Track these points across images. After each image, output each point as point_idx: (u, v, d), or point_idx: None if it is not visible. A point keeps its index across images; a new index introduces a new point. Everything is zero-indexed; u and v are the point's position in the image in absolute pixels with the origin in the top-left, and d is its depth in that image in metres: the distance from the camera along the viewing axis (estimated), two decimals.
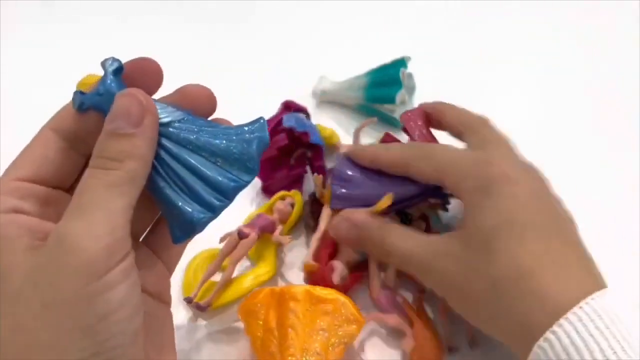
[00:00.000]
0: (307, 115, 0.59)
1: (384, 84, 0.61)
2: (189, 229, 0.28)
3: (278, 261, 0.50)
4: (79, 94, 0.29)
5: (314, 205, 0.51)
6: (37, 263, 0.25)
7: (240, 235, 0.46)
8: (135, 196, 0.27)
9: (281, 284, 0.49)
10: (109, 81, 0.28)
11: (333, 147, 0.58)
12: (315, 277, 0.47)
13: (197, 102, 0.31)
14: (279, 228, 0.48)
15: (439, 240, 0.40)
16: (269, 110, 0.59)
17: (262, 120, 0.30)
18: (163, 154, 0.28)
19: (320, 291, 0.43)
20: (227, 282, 0.46)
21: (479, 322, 0.38)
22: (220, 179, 0.28)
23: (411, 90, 0.63)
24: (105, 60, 0.29)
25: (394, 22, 0.76)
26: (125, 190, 0.26)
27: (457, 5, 0.77)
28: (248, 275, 0.47)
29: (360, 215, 0.44)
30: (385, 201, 0.43)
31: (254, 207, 0.54)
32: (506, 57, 0.72)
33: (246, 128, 0.29)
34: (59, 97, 0.51)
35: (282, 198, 0.51)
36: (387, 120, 0.61)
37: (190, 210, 0.27)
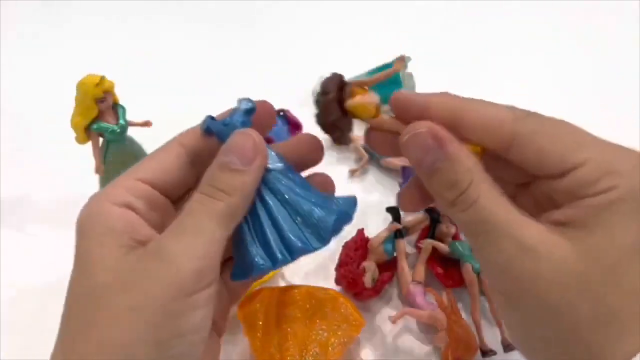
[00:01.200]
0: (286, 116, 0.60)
1: (384, 84, 0.61)
2: (247, 270, 0.29)
3: None
4: (208, 118, 0.30)
5: None
6: (130, 265, 0.26)
7: None
8: (232, 229, 0.28)
9: (281, 283, 0.49)
10: (237, 116, 0.30)
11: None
12: (347, 281, 0.47)
13: (306, 150, 0.33)
14: None
15: (557, 237, 0.26)
16: None
17: (354, 199, 0.31)
18: (255, 195, 0.29)
19: (320, 291, 0.43)
20: None
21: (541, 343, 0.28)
22: (292, 236, 0.29)
23: (411, 90, 0.63)
24: (242, 99, 0.30)
25: (394, 22, 0.76)
26: (226, 221, 0.27)
27: (457, 5, 0.77)
28: None
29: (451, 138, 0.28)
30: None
31: None
32: (506, 57, 0.72)
33: (336, 200, 0.30)
34: (59, 96, 0.52)
35: None
36: None
37: (254, 253, 0.29)
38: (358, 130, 0.60)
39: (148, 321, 0.25)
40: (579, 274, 0.25)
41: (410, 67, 0.62)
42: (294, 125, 0.59)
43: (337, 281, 0.48)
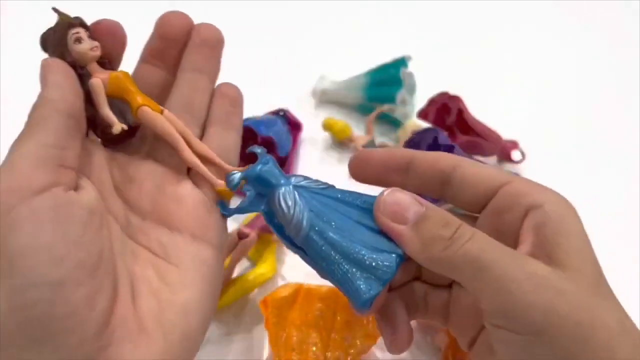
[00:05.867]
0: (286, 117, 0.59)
1: (385, 84, 0.61)
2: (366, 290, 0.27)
3: (278, 261, 0.50)
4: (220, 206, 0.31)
5: None
6: None
7: (240, 235, 0.46)
8: (48, 133, 0.26)
9: (281, 283, 0.49)
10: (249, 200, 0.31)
11: (346, 140, 0.58)
12: None
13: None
14: None
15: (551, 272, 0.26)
16: (268, 110, 0.59)
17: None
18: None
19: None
20: (227, 282, 0.46)
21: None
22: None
23: (411, 89, 0.63)
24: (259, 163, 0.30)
25: (394, 22, 0.76)
26: (33, 131, 0.26)
27: (458, 5, 0.77)
28: (248, 275, 0.47)
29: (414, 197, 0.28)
30: None
31: None
32: (506, 56, 0.72)
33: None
34: None
35: None
36: (387, 119, 0.60)
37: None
38: (359, 131, 0.60)
39: None
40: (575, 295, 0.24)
41: (411, 67, 0.62)
42: (294, 125, 0.59)
43: None
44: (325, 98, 0.64)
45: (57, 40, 0.29)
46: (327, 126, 0.59)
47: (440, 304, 0.32)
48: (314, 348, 0.41)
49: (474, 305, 0.29)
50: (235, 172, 0.30)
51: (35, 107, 0.27)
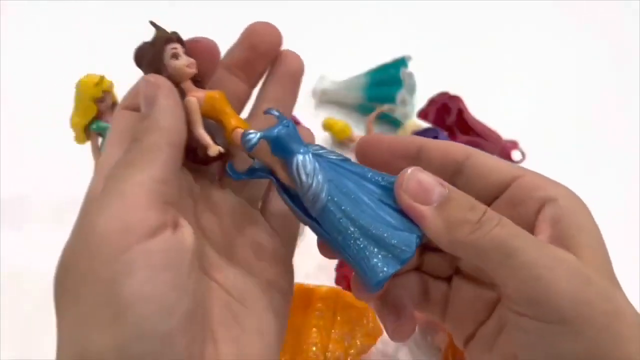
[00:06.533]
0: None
1: (385, 84, 0.61)
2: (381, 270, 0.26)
3: None
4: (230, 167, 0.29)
5: None
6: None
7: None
8: (160, 167, 0.24)
9: None
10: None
11: (346, 140, 0.58)
12: (347, 281, 0.46)
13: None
14: None
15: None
16: None
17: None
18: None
19: (349, 296, 0.43)
20: None
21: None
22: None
23: (412, 89, 0.63)
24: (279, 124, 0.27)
25: (394, 22, 0.75)
26: (145, 164, 0.24)
27: (458, 5, 0.77)
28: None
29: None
30: None
31: None
32: (506, 56, 0.72)
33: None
34: (59, 96, 0.51)
35: None
36: (387, 119, 0.60)
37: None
38: (359, 131, 0.60)
39: (97, 294, 0.22)
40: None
41: (411, 67, 0.62)
42: None
43: (337, 281, 0.47)
44: (325, 98, 0.64)
45: (154, 55, 0.28)
46: (327, 126, 0.59)
47: (439, 296, 0.31)
48: (314, 348, 0.41)
49: (474, 298, 0.29)
50: (253, 131, 0.27)
51: (146, 131, 0.25)
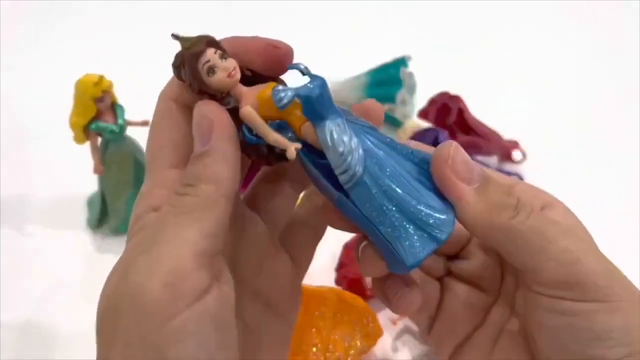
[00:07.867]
0: None
1: (385, 83, 0.61)
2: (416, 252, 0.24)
3: None
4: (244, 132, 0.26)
5: None
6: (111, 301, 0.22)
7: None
8: (213, 221, 0.23)
9: None
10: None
11: None
12: (347, 282, 0.46)
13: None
14: None
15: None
16: None
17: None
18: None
19: (349, 297, 0.43)
20: None
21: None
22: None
23: (412, 89, 0.63)
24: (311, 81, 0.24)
25: (394, 22, 0.75)
26: (198, 216, 0.22)
27: (458, 6, 0.77)
28: None
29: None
30: None
31: None
32: (506, 56, 0.72)
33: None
34: (59, 96, 0.51)
35: None
36: (387, 119, 0.60)
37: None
38: None
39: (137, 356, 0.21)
40: None
41: (411, 67, 0.62)
42: None
43: (338, 282, 0.47)
44: None
45: (192, 74, 0.25)
46: None
47: (432, 295, 0.30)
48: (314, 348, 0.41)
49: (468, 301, 0.29)
50: (283, 88, 0.24)
51: (202, 179, 0.23)
